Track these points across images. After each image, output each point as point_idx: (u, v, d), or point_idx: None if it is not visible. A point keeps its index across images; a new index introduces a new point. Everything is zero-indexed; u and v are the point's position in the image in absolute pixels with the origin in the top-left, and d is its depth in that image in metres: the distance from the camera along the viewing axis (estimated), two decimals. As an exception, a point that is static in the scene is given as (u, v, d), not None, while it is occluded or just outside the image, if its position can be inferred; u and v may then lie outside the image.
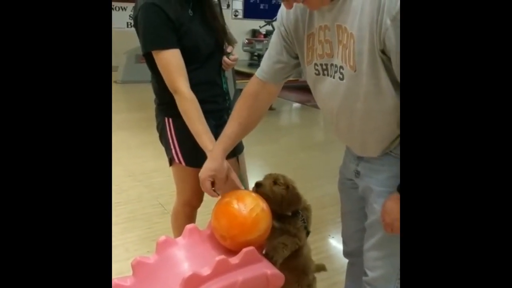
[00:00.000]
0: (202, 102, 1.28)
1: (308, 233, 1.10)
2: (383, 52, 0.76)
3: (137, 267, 0.96)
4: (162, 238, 1.03)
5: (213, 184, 1.08)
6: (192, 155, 1.30)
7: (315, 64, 0.91)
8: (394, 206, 0.86)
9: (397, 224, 0.86)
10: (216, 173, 1.06)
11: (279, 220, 1.05)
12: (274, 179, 1.04)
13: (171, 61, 1.20)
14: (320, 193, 2.69)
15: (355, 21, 0.77)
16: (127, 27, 8.86)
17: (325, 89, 0.91)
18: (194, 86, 1.26)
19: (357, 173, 1.00)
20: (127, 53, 6.80)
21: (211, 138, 1.19)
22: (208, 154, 1.14)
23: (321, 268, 1.41)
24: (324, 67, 0.89)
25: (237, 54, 1.44)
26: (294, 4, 0.87)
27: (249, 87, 1.05)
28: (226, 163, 1.09)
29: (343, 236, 1.18)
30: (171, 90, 1.23)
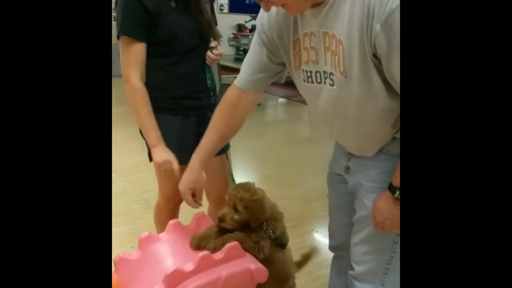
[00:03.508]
0: (183, 98, 1.28)
1: (278, 243, 1.07)
2: (375, 56, 0.76)
3: (120, 263, 0.95)
4: (145, 234, 1.02)
5: (193, 195, 1.10)
6: (173, 151, 1.28)
7: (303, 70, 0.91)
8: (385, 205, 0.86)
9: (388, 223, 0.87)
10: (195, 185, 1.07)
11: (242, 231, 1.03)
12: (234, 205, 1.01)
13: (130, 51, 1.21)
14: (305, 188, 2.72)
15: (343, 27, 0.77)
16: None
17: (315, 95, 0.90)
18: (175, 79, 1.26)
19: (347, 169, 1.00)
20: (112, 46, 6.66)
21: (157, 135, 1.23)
22: (153, 150, 1.23)
23: (308, 257, 1.41)
24: (311, 74, 0.89)
25: (222, 49, 1.41)
26: (276, 9, 0.86)
27: (228, 96, 1.04)
28: (204, 176, 1.09)
29: (330, 229, 1.19)
30: (123, 79, 1.24)
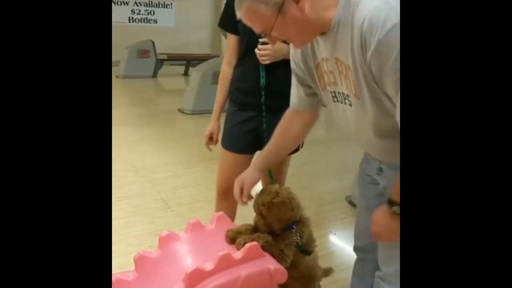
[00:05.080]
0: (241, 92, 1.49)
1: (304, 251, 1.07)
2: (375, 80, 0.80)
3: (140, 261, 0.96)
4: (165, 232, 1.02)
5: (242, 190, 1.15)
6: (226, 136, 1.52)
7: (329, 91, 0.96)
8: (381, 217, 0.89)
9: (384, 235, 0.91)
10: (244, 181, 1.12)
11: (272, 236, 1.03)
12: (260, 212, 1.02)
13: (227, 40, 1.49)
14: (322, 190, 2.69)
15: (347, 54, 0.81)
16: (129, 22, 8.82)
17: (342, 113, 0.95)
18: (238, 74, 1.49)
19: (380, 170, 1.00)
20: (128, 48, 6.77)
21: (217, 111, 1.55)
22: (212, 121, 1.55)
23: (329, 272, 1.41)
24: (335, 93, 0.94)
25: (273, 45, 1.34)
26: None
27: (285, 114, 1.13)
28: (257, 177, 1.15)
29: (356, 230, 1.17)
30: None
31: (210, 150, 1.62)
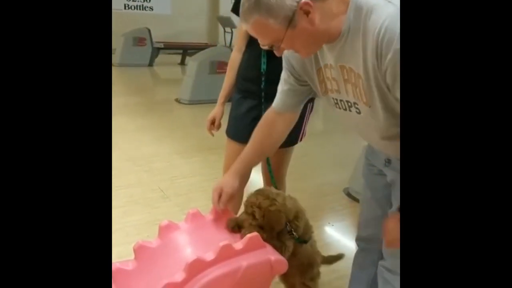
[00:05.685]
0: (244, 79, 1.49)
1: (301, 241, 1.08)
2: (388, 88, 0.80)
3: (139, 251, 0.96)
4: (164, 222, 1.02)
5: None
6: (230, 125, 1.53)
7: (331, 98, 0.94)
8: (394, 226, 0.88)
9: (397, 243, 0.89)
10: (222, 187, 1.08)
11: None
12: (252, 212, 1.01)
13: (238, 28, 1.55)
14: (320, 182, 2.69)
15: (359, 63, 0.79)
16: (125, 8, 8.68)
17: (347, 119, 0.94)
18: (243, 61, 1.50)
19: (388, 162, 1.00)
20: (124, 36, 6.67)
21: (223, 96, 1.55)
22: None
23: (339, 257, 1.42)
24: (337, 101, 0.93)
25: None
26: None
27: (266, 116, 1.10)
28: (237, 184, 1.10)
29: (360, 220, 1.18)
30: None
31: (212, 135, 1.62)
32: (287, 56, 0.97)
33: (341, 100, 0.91)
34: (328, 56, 0.86)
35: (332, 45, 0.83)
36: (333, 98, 0.93)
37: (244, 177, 1.18)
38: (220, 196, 1.07)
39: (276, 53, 0.85)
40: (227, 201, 1.06)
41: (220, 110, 1.57)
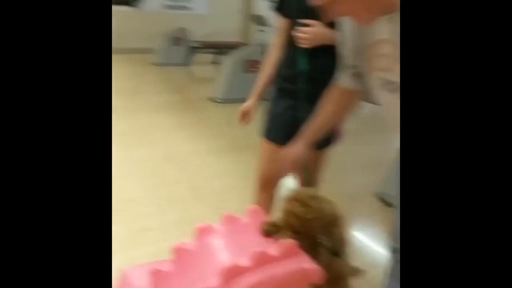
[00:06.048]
0: (280, 77, 1.47)
1: (333, 252, 1.03)
2: None
3: (178, 253, 0.97)
4: (201, 224, 1.03)
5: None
6: (266, 125, 1.51)
7: (376, 77, 0.90)
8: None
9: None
10: (288, 156, 1.20)
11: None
12: (290, 222, 0.99)
13: (277, 25, 1.48)
14: (350, 184, 2.62)
15: None
16: (163, 9, 8.92)
17: (391, 106, 0.89)
18: (283, 60, 1.46)
19: None
20: (164, 36, 6.86)
21: (256, 92, 1.53)
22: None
23: (359, 272, 1.37)
24: (382, 81, 0.88)
25: (314, 28, 1.29)
26: None
27: (333, 90, 1.11)
28: (304, 152, 1.18)
29: (395, 230, 1.13)
30: None
31: (244, 124, 1.59)
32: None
33: (388, 81, 0.86)
34: (385, 29, 0.81)
35: (389, 17, 0.78)
36: (378, 78, 0.88)
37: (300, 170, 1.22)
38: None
39: (329, 16, 0.82)
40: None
41: (253, 103, 1.55)
